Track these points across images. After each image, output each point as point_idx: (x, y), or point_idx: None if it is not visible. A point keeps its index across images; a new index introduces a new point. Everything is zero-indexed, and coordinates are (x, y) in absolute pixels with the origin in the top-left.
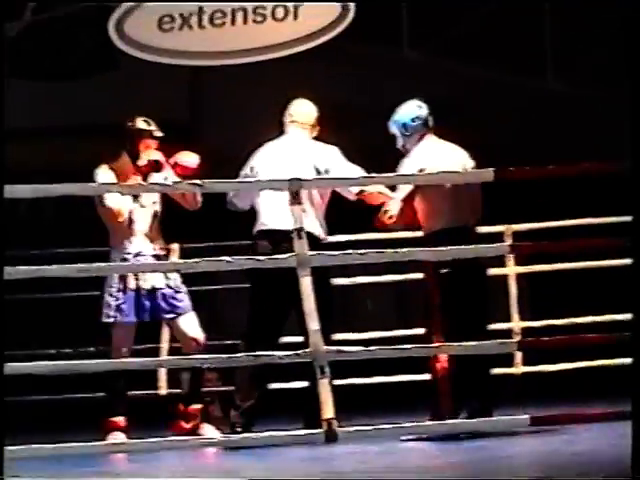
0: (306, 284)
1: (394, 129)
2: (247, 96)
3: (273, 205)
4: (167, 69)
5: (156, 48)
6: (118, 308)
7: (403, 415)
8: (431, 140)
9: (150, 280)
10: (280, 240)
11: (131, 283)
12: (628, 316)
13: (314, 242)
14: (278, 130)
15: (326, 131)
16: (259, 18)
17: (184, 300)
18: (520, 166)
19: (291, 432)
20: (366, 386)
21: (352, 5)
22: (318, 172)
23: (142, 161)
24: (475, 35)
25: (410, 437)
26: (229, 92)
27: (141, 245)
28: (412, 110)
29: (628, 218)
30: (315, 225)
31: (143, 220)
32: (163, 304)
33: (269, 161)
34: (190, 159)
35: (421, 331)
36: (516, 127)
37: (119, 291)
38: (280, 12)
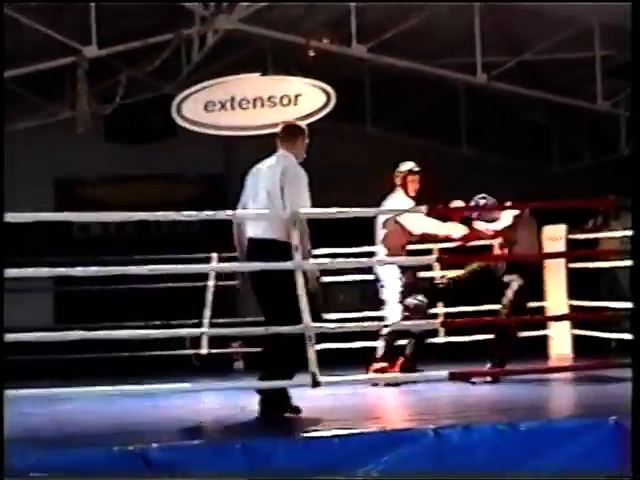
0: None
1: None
2: (263, 156)
3: None
4: (209, 137)
5: (202, 123)
6: None
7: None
8: None
9: None
10: None
11: None
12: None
13: None
14: None
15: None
16: (271, 104)
17: None
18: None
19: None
20: (341, 350)
21: (333, 94)
22: None
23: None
24: (418, 116)
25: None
26: (252, 153)
27: None
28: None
29: None
30: None
31: None
32: None
33: None
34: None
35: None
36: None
37: None
38: (285, 100)
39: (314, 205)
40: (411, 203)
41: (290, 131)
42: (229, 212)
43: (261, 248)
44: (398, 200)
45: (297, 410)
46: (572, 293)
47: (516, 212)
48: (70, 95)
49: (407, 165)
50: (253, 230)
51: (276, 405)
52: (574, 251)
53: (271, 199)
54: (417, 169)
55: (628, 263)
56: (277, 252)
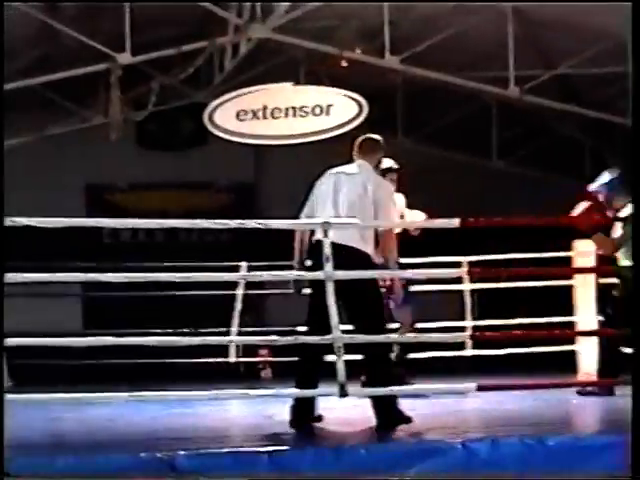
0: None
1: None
2: (293, 164)
3: None
4: (240, 146)
5: (234, 131)
6: None
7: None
8: None
9: None
10: None
11: None
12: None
13: None
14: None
15: None
16: (303, 114)
17: None
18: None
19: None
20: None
21: (365, 105)
22: None
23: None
24: (450, 128)
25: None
26: (283, 163)
27: None
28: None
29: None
30: None
31: None
32: None
33: None
34: None
35: None
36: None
37: None
38: (317, 110)
39: None
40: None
41: (370, 144)
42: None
43: (346, 255)
44: None
45: (408, 420)
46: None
47: None
48: (103, 101)
49: (387, 162)
50: (338, 236)
51: (390, 413)
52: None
53: (359, 208)
54: (397, 167)
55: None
56: (364, 262)
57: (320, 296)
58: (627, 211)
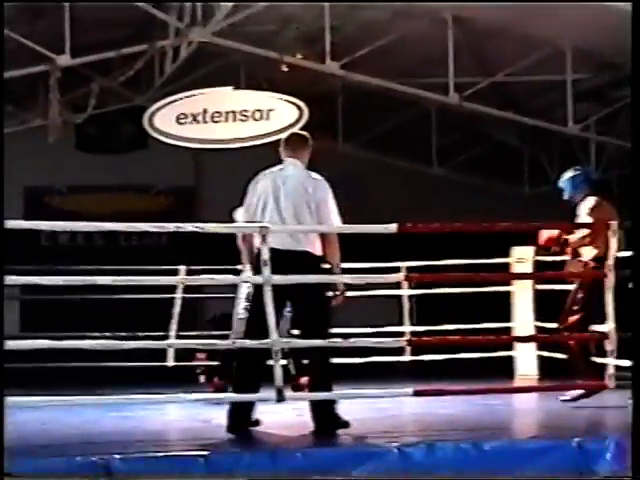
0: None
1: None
2: (233, 168)
3: None
4: (180, 150)
5: (174, 135)
6: None
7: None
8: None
9: None
10: None
11: None
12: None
13: None
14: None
15: None
16: (243, 118)
17: None
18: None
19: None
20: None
21: (306, 110)
22: None
23: None
24: (390, 134)
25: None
26: (222, 166)
27: None
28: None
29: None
30: None
31: None
32: None
33: None
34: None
35: None
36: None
37: None
38: (258, 114)
39: None
40: None
41: (299, 140)
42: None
43: (296, 261)
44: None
45: (346, 424)
46: (539, 314)
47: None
48: (42, 104)
49: None
50: (280, 241)
51: (328, 417)
52: (541, 273)
53: (302, 211)
54: None
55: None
56: (312, 265)
57: (261, 300)
58: (587, 205)
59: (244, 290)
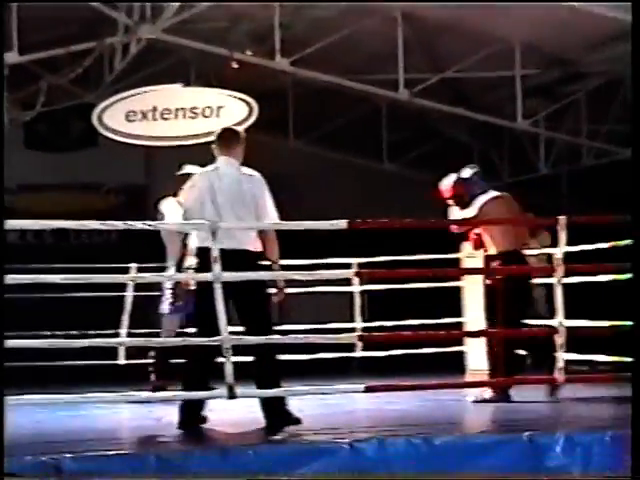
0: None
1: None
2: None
3: None
4: (130, 147)
5: (123, 132)
6: None
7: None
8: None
9: None
10: None
11: None
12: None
13: None
14: None
15: None
16: (193, 115)
17: None
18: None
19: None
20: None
21: (256, 107)
22: None
23: None
24: (341, 130)
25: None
26: (173, 164)
27: None
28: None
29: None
30: None
31: None
32: None
33: None
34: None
35: None
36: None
37: None
38: (207, 111)
39: None
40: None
41: (231, 136)
42: (152, 222)
43: (240, 260)
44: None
45: (297, 421)
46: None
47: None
48: None
49: (187, 169)
50: (226, 242)
51: (279, 414)
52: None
53: (240, 209)
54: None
55: (542, 281)
56: (251, 262)
57: (210, 298)
58: (481, 200)
59: (168, 286)
